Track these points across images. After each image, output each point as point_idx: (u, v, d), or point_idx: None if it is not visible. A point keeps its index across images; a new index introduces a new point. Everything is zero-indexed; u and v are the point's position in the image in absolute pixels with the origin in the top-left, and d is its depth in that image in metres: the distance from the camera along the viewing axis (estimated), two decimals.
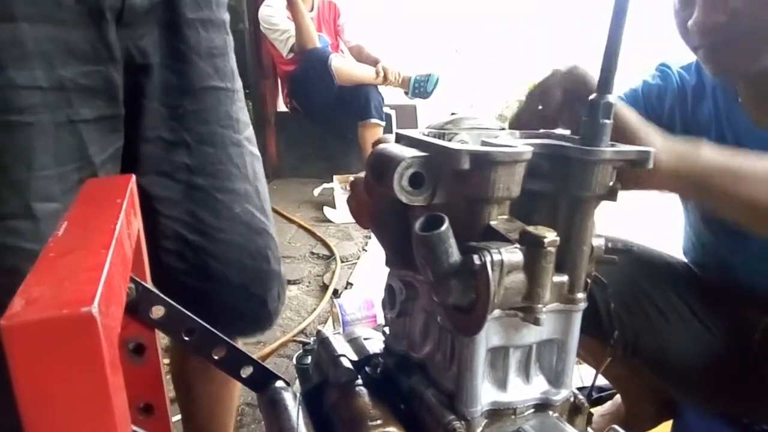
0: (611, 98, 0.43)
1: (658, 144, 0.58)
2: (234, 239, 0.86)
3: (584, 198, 0.43)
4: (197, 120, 0.82)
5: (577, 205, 0.44)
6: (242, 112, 0.89)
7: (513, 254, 0.38)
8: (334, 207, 2.98)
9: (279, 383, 0.62)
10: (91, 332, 0.29)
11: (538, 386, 0.48)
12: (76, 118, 0.70)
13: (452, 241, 0.38)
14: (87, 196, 0.49)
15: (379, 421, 0.47)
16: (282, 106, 3.84)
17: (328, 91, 3.25)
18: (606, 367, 0.75)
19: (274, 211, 2.99)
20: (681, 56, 0.97)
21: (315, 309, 1.95)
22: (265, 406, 0.61)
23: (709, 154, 0.61)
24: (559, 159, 0.44)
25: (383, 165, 0.44)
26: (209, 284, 0.85)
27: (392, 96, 3.58)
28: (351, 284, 2.15)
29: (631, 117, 0.59)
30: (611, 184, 0.43)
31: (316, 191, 3.22)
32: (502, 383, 0.47)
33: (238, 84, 0.89)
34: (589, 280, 0.46)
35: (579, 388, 0.50)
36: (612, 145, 0.43)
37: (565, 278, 0.44)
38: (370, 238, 2.56)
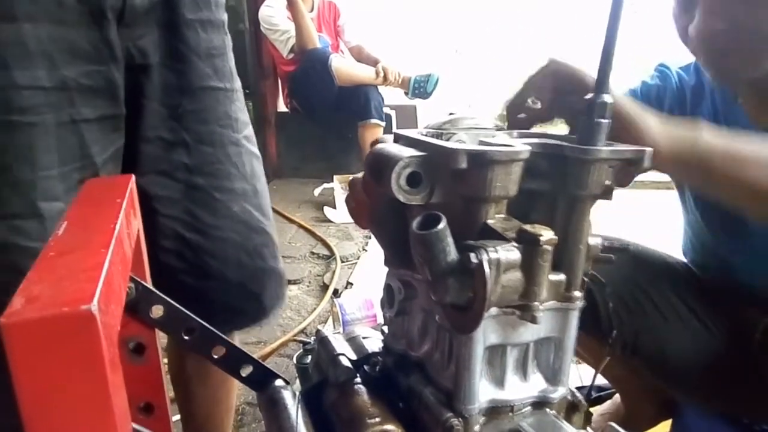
0: (607, 98, 0.43)
1: (656, 128, 0.57)
2: (232, 238, 0.86)
3: (581, 197, 0.44)
4: (196, 120, 0.82)
5: (573, 203, 0.44)
6: (241, 111, 0.89)
7: (510, 253, 0.38)
8: (334, 207, 2.98)
9: (279, 382, 0.63)
10: (90, 330, 0.29)
11: (535, 384, 0.48)
12: (78, 118, 0.70)
13: (450, 240, 0.39)
14: (87, 195, 0.50)
15: (377, 420, 0.48)
16: (282, 107, 3.84)
17: (329, 92, 3.25)
18: (605, 367, 0.75)
19: (274, 211, 2.99)
20: (680, 56, 0.97)
21: (315, 309, 1.95)
22: (265, 405, 0.61)
23: (709, 136, 0.60)
24: (556, 158, 0.44)
25: (381, 164, 0.44)
26: (207, 283, 0.86)
27: (392, 96, 3.58)
28: (351, 284, 2.15)
29: (627, 104, 0.58)
30: (607, 183, 0.43)
31: (317, 191, 3.22)
32: (499, 381, 0.47)
33: (237, 84, 0.89)
34: (586, 279, 0.46)
35: (578, 388, 0.51)
36: (608, 145, 0.43)
37: (562, 277, 0.44)
38: (370, 238, 2.56)
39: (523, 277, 0.39)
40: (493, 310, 0.43)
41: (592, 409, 0.52)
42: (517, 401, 0.47)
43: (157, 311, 0.54)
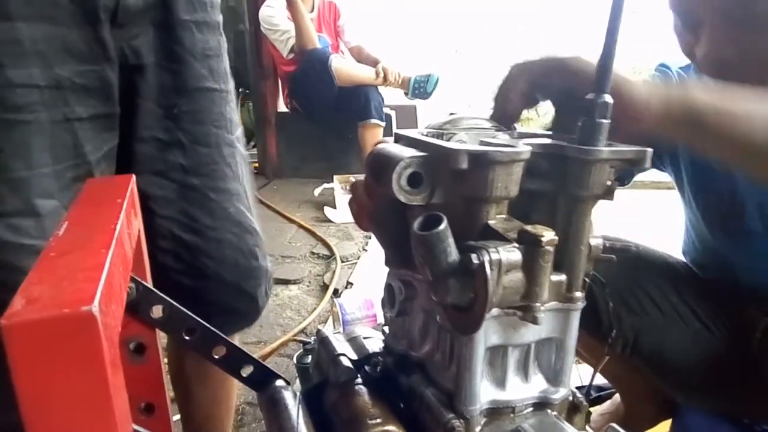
0: (608, 98, 0.43)
1: (644, 89, 0.55)
2: (228, 238, 0.87)
3: (582, 197, 0.44)
4: (192, 120, 0.83)
5: (575, 204, 0.44)
6: (234, 112, 0.90)
7: (511, 253, 0.38)
8: (334, 207, 2.99)
9: (279, 382, 0.63)
10: (91, 331, 0.29)
11: (536, 385, 0.48)
12: (72, 117, 0.70)
13: (451, 241, 0.38)
14: (88, 195, 0.49)
15: (378, 420, 0.48)
16: (282, 107, 3.85)
17: (329, 92, 3.26)
18: (605, 366, 0.75)
19: (275, 211, 3.00)
20: (680, 56, 0.97)
21: (315, 309, 1.95)
22: (266, 405, 0.61)
23: (699, 91, 0.58)
24: (557, 158, 0.44)
25: (382, 165, 0.44)
26: (205, 283, 0.86)
27: (392, 96, 3.58)
28: (351, 284, 2.15)
29: (616, 76, 0.54)
30: (609, 183, 0.43)
31: (317, 191, 3.22)
32: (500, 382, 0.47)
33: (231, 85, 0.90)
34: (587, 279, 0.46)
35: (578, 387, 0.51)
36: (609, 145, 0.43)
37: (563, 277, 0.44)
38: (370, 238, 2.56)
39: (525, 278, 0.39)
40: (494, 311, 0.43)
41: (592, 409, 0.51)
42: (519, 402, 0.47)
43: (157, 311, 0.54)
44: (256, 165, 3.80)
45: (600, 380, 1.26)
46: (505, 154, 0.40)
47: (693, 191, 1.00)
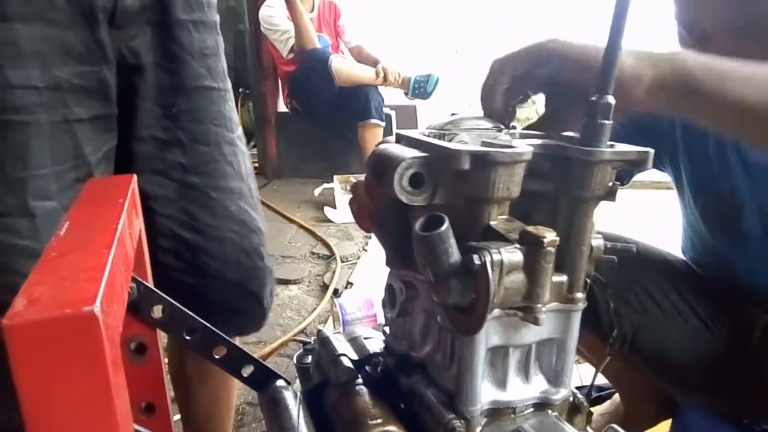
0: (610, 99, 0.43)
1: (631, 62, 0.53)
2: (230, 237, 0.86)
3: (584, 198, 0.44)
4: (191, 119, 0.83)
5: (576, 205, 0.44)
6: (233, 111, 0.90)
7: (513, 254, 0.38)
8: (334, 207, 2.99)
9: (279, 382, 0.63)
10: (93, 331, 0.29)
11: (537, 385, 0.48)
12: (71, 118, 0.71)
13: (452, 241, 0.38)
14: (88, 195, 0.49)
15: (379, 421, 0.48)
16: (282, 107, 3.84)
17: (329, 92, 3.26)
18: (605, 365, 0.74)
19: (275, 211, 3.00)
20: None
21: (315, 309, 1.95)
22: (266, 406, 0.61)
23: (687, 55, 0.57)
24: (558, 159, 0.44)
25: (383, 165, 0.44)
26: (206, 282, 0.86)
27: (392, 96, 3.58)
28: (351, 284, 2.15)
29: (590, 49, 0.53)
30: (610, 184, 0.43)
31: (317, 191, 3.22)
32: (501, 383, 0.47)
33: (229, 84, 0.90)
34: (588, 280, 0.46)
35: (578, 388, 0.51)
36: (611, 146, 0.43)
37: (564, 278, 0.44)
38: (370, 238, 2.56)
39: (526, 279, 0.39)
40: (496, 312, 0.43)
41: (592, 409, 0.51)
42: (519, 402, 0.47)
43: (158, 311, 0.54)
44: (256, 165, 3.80)
45: (600, 380, 1.27)
46: (507, 154, 0.40)
47: (692, 191, 1.00)
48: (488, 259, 0.37)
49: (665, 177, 1.07)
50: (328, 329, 0.85)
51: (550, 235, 0.39)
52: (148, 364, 0.55)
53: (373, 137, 3.30)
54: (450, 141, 0.48)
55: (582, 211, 0.44)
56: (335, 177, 3.12)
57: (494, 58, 0.55)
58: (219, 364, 0.59)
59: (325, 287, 2.12)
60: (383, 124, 3.36)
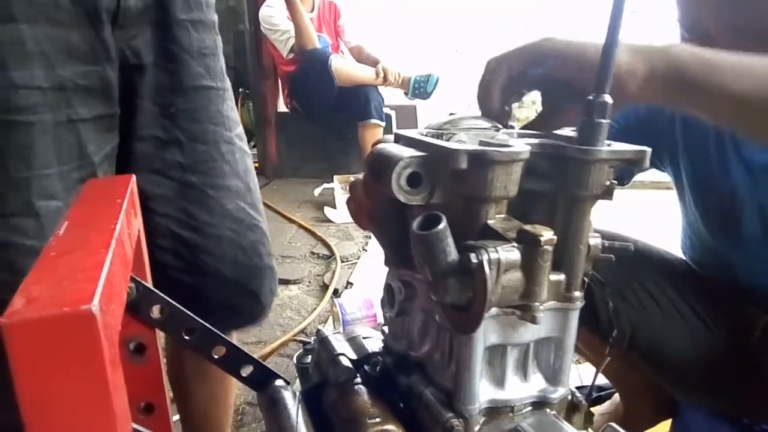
0: (607, 98, 0.43)
1: (625, 57, 0.53)
2: (227, 235, 0.87)
3: (581, 197, 0.44)
4: (189, 118, 0.83)
5: (574, 204, 0.44)
6: (232, 110, 0.90)
7: (510, 253, 0.38)
8: (334, 207, 2.99)
9: (279, 382, 0.63)
10: (91, 330, 0.29)
11: (535, 384, 0.48)
12: (75, 118, 0.71)
13: (450, 240, 0.39)
14: (87, 195, 0.50)
15: (378, 420, 0.48)
16: (282, 107, 3.85)
17: (329, 92, 3.26)
18: (605, 365, 0.74)
19: (275, 211, 3.00)
20: None
21: (315, 309, 1.95)
22: (265, 405, 0.61)
23: (680, 47, 0.57)
24: (556, 158, 0.44)
25: (381, 165, 0.44)
26: (204, 280, 0.86)
27: (392, 96, 3.58)
28: (351, 284, 2.15)
29: (592, 48, 0.52)
30: (608, 183, 0.43)
31: (317, 191, 3.22)
32: (499, 381, 0.47)
33: (227, 83, 0.90)
34: (586, 279, 0.46)
35: (578, 387, 0.51)
36: (609, 145, 0.43)
37: (562, 277, 0.44)
38: (370, 238, 2.56)
39: (524, 278, 0.39)
40: (494, 311, 0.43)
41: (591, 409, 0.52)
42: (518, 401, 0.47)
43: (157, 311, 0.54)
44: (256, 165, 3.79)
45: (600, 380, 1.27)
46: (505, 153, 0.40)
47: (692, 191, 1.00)
48: (485, 257, 0.37)
49: (665, 177, 1.07)
50: (328, 329, 0.85)
51: (547, 234, 0.39)
52: (147, 364, 0.55)
53: (373, 137, 3.30)
54: (448, 140, 0.48)
55: (579, 209, 0.44)
56: (335, 177, 3.12)
57: (489, 57, 0.56)
58: (218, 364, 0.59)
59: (325, 287, 2.12)
60: (383, 124, 3.37)
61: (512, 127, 0.53)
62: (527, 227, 0.40)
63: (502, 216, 0.43)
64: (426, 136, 0.47)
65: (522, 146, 0.42)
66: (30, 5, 0.66)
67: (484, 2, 4.06)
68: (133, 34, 0.77)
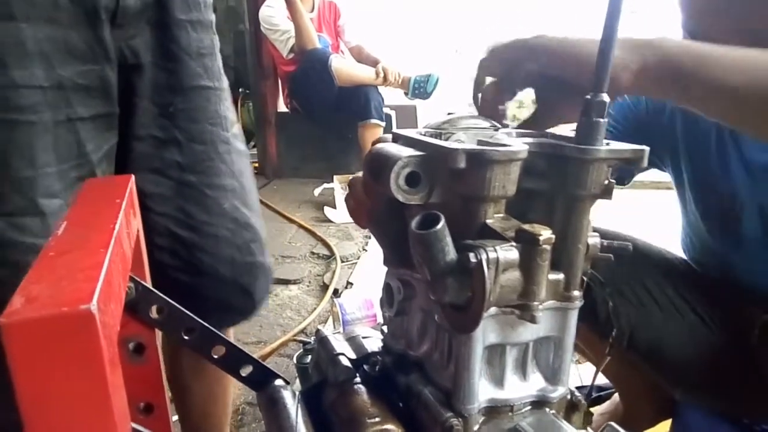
0: (605, 97, 0.43)
1: (618, 50, 0.50)
2: (223, 234, 0.87)
3: (580, 196, 0.44)
4: (188, 118, 0.83)
5: (572, 203, 0.44)
6: (229, 110, 0.91)
7: (509, 252, 0.38)
8: (334, 207, 2.99)
9: (278, 382, 0.63)
10: (89, 330, 0.29)
11: (534, 383, 0.48)
12: (74, 117, 0.71)
13: (448, 240, 0.39)
14: (86, 195, 0.50)
15: (377, 419, 0.48)
16: (282, 107, 3.85)
17: (328, 92, 3.26)
18: (605, 365, 0.74)
19: (275, 211, 3.00)
20: None
21: (315, 308, 1.95)
22: (265, 405, 0.61)
23: (672, 40, 0.56)
24: (554, 158, 0.44)
25: (380, 164, 0.44)
26: (201, 279, 0.87)
27: (392, 96, 3.58)
28: (351, 284, 2.15)
29: (588, 44, 0.52)
30: (606, 182, 0.43)
31: (317, 191, 3.22)
32: (499, 381, 0.47)
33: (225, 83, 0.91)
34: (585, 278, 0.46)
35: (578, 387, 0.51)
36: (607, 144, 0.43)
37: (560, 276, 0.44)
38: (370, 238, 2.56)
39: (522, 277, 0.39)
40: (492, 310, 0.43)
41: (591, 409, 0.52)
42: (517, 401, 0.47)
43: (156, 311, 0.54)
44: (256, 165, 3.80)
45: (600, 380, 1.26)
46: (503, 153, 0.40)
47: (693, 191, 1.00)
48: (484, 256, 0.37)
49: (665, 177, 1.07)
50: (327, 329, 0.85)
51: (545, 233, 0.39)
52: (146, 364, 0.55)
53: (373, 137, 3.28)
54: (446, 140, 0.48)
55: (578, 209, 0.44)
56: (335, 177, 3.12)
57: (480, 57, 0.56)
58: (218, 364, 0.60)
59: (325, 287, 2.13)
60: (383, 124, 3.37)
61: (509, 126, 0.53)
62: (526, 226, 0.40)
63: (501, 215, 0.43)
64: (424, 135, 0.48)
65: (520, 145, 0.42)
66: (30, 5, 0.66)
67: (484, 2, 4.06)
68: (132, 34, 0.77)
